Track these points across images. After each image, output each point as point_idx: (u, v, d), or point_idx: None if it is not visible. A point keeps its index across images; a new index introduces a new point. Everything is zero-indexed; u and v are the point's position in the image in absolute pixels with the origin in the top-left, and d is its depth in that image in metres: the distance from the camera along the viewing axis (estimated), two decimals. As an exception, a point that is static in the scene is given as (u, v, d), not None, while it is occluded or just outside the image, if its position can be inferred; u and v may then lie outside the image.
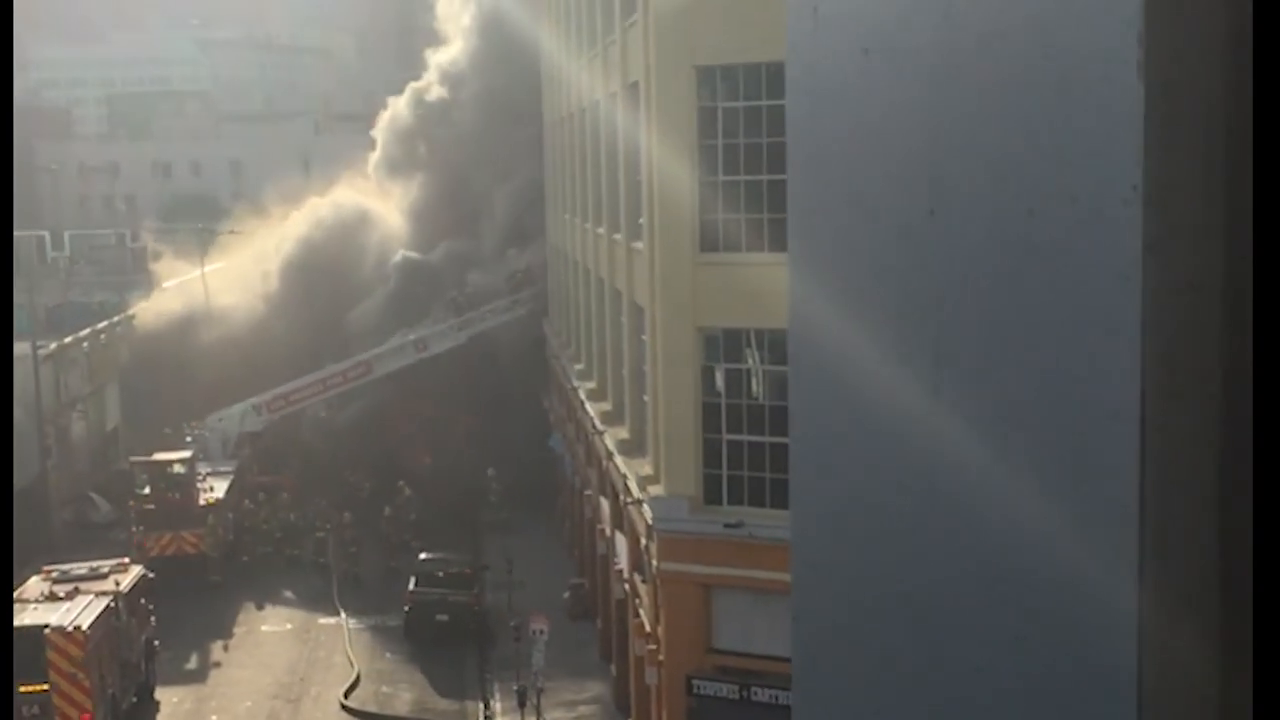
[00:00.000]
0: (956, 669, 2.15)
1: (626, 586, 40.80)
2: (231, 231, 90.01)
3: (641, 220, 37.37)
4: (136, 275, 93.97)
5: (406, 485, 63.50)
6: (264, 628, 52.82)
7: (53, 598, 41.81)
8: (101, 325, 76.08)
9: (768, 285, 29.83)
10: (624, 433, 41.50)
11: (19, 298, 68.36)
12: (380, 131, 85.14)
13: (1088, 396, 1.82)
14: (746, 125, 32.39)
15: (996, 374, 2.00)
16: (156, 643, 46.86)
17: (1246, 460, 1.76)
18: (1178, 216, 1.73)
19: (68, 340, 69.43)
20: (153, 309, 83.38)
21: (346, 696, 45.30)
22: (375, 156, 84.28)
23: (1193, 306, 1.75)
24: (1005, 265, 1.96)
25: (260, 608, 54.68)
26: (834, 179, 2.40)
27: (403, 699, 45.69)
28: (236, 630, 52.39)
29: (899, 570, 2.28)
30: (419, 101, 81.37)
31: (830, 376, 2.43)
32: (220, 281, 79.86)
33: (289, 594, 56.19)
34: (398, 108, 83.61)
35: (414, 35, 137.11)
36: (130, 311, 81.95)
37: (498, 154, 73.56)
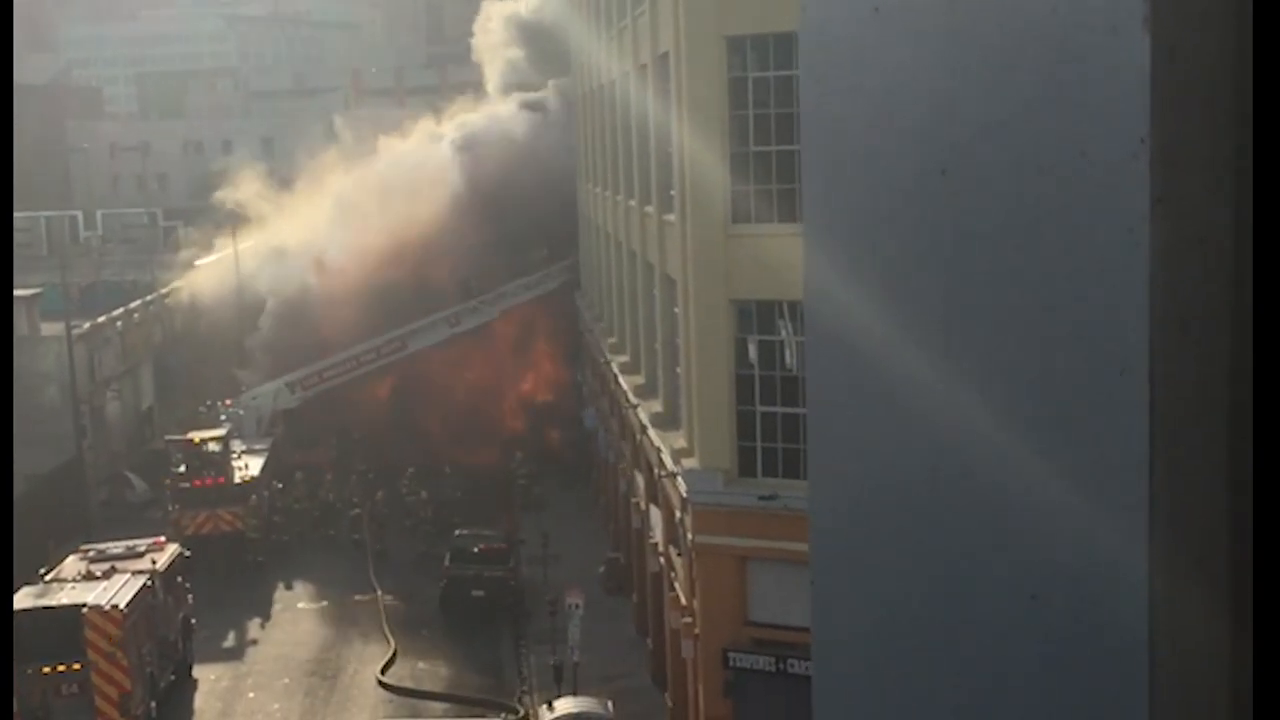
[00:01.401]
0: (972, 636, 2.15)
1: (662, 560, 40.78)
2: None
3: (673, 192, 37.25)
4: (168, 254, 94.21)
5: (447, 466, 63.55)
6: (300, 605, 52.99)
7: (90, 577, 41.99)
8: (135, 304, 76.28)
9: (800, 256, 29.68)
10: (658, 406, 41.44)
11: (52, 277, 68.75)
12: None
13: (1097, 351, 1.82)
14: (777, 95, 32.24)
15: (1007, 330, 1.99)
16: (193, 621, 47.06)
17: (1249, 414, 1.77)
18: (1185, 170, 1.73)
19: (101, 320, 69.66)
20: (186, 287, 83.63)
21: (383, 672, 45.44)
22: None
23: (1201, 259, 1.75)
24: (1016, 222, 1.96)
25: (291, 586, 54.81)
26: (847, 139, 2.40)
27: (439, 674, 45.79)
28: (273, 608, 52.58)
29: (914, 539, 2.28)
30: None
31: (844, 341, 2.42)
32: (252, 259, 79.81)
33: (325, 571, 56.33)
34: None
35: (441, 9, 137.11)
36: (163, 290, 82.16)
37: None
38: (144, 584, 41.95)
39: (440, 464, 64.22)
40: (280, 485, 61.63)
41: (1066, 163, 1.85)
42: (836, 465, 2.51)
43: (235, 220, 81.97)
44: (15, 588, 41.21)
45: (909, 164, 2.19)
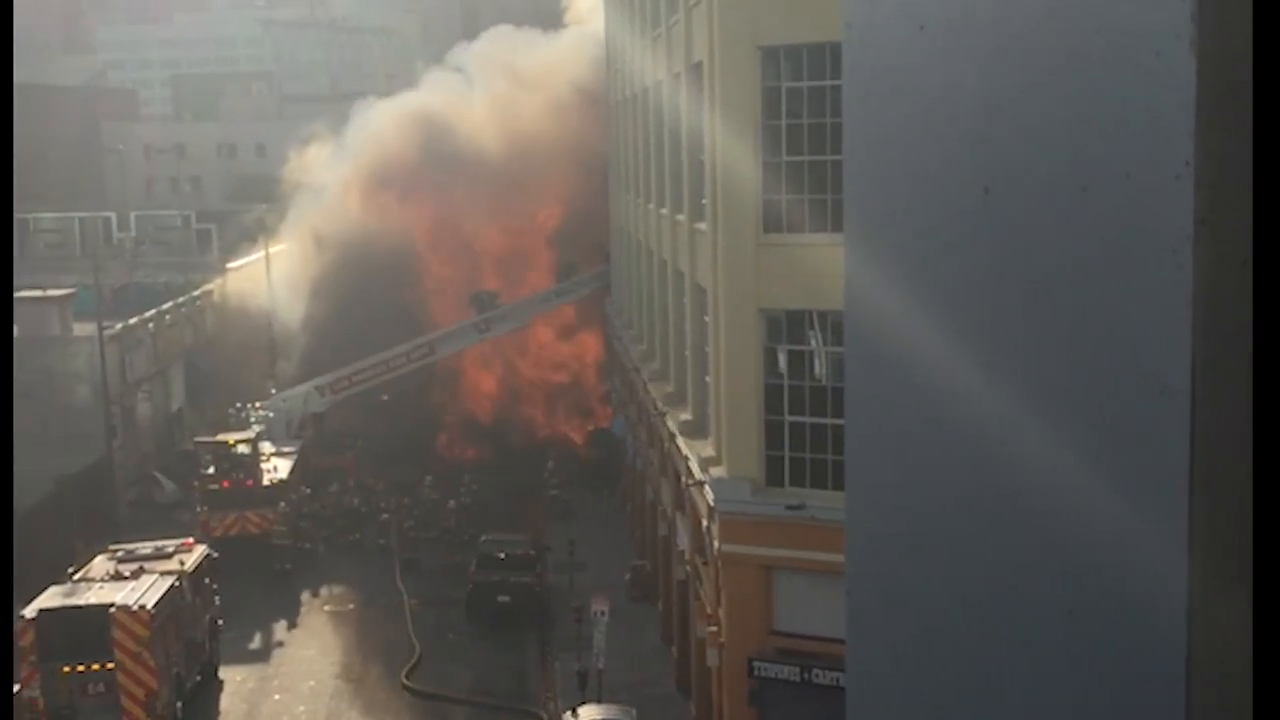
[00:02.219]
0: (1008, 644, 2.14)
1: (688, 568, 40.75)
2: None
3: (704, 201, 37.26)
4: (201, 256, 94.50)
5: (466, 474, 63.57)
6: (326, 608, 53.11)
7: (118, 577, 42.12)
8: (167, 306, 76.54)
9: (831, 266, 29.64)
10: (686, 414, 41.42)
11: (85, 278, 69.01)
12: None
13: (1139, 370, 1.80)
14: (810, 105, 32.23)
15: (1049, 348, 1.98)
16: (220, 622, 47.17)
17: None
18: (1229, 193, 1.70)
19: (133, 321, 69.90)
20: (217, 290, 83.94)
21: (408, 676, 45.48)
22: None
23: (1244, 281, 1.71)
24: (1059, 241, 1.94)
25: (318, 590, 54.91)
26: (890, 155, 2.39)
27: (464, 679, 45.79)
28: (300, 611, 52.68)
29: (952, 546, 2.28)
30: None
31: (885, 352, 2.43)
32: (285, 262, 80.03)
33: (351, 574, 56.44)
34: None
35: (477, 15, 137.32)
36: (195, 292, 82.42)
37: None
38: (172, 585, 42.08)
39: (465, 471, 64.30)
40: (308, 490, 61.69)
41: (1110, 183, 1.84)
42: (874, 478, 2.51)
43: (268, 226, 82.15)
44: (43, 587, 41.40)
45: (952, 181, 2.19)
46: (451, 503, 60.23)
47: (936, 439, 2.27)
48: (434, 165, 74.45)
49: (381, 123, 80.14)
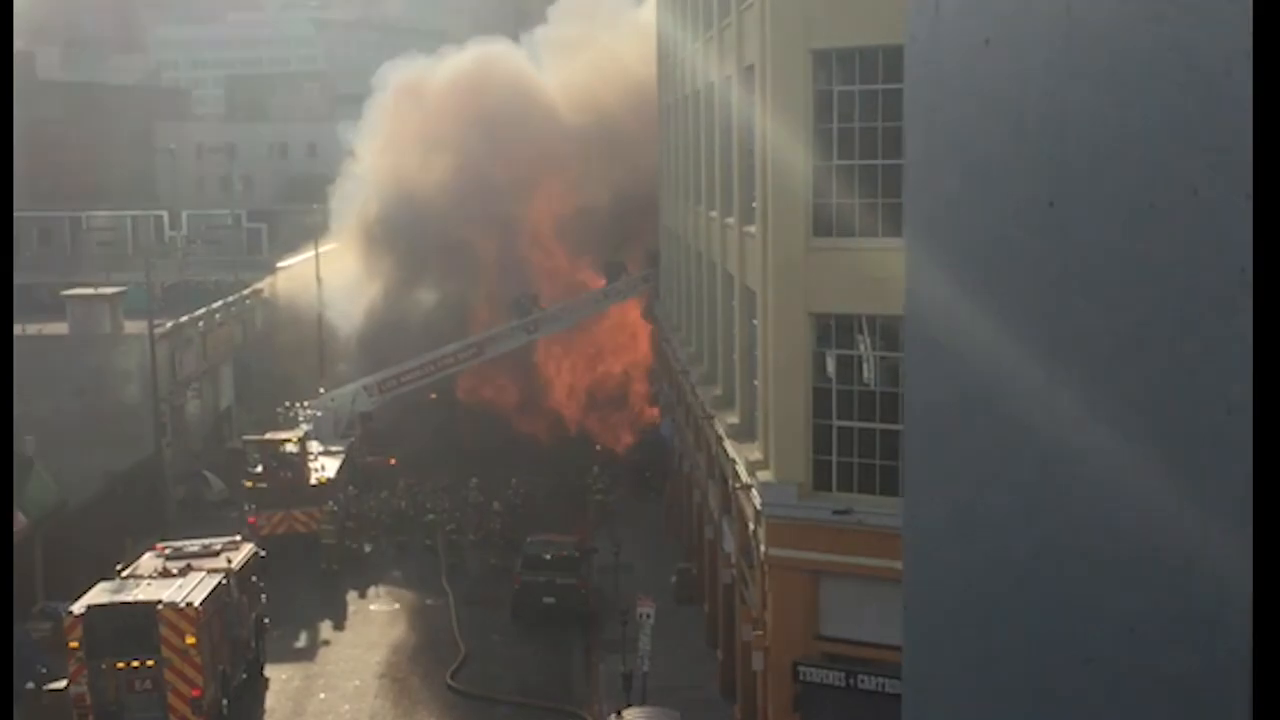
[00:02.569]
0: (1068, 658, 2.09)
1: (734, 572, 40.68)
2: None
3: (755, 204, 37.19)
4: (252, 256, 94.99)
5: (514, 478, 63.52)
6: (372, 607, 53.26)
7: (166, 574, 42.32)
8: (217, 305, 76.91)
9: (881, 270, 29.61)
10: (734, 417, 41.34)
11: (137, 276, 69.41)
12: None
13: (1203, 387, 1.77)
14: (862, 109, 32.13)
15: (1113, 364, 1.95)
16: (267, 620, 47.35)
17: None
18: None
19: (183, 320, 70.28)
20: (267, 289, 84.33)
21: (453, 676, 45.56)
22: None
23: None
24: (1125, 257, 1.91)
25: (364, 589, 55.07)
26: (953, 166, 2.36)
27: (508, 680, 45.84)
28: (346, 609, 52.84)
29: (1012, 557, 2.25)
30: None
31: (946, 363, 2.38)
32: (335, 261, 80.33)
33: (397, 574, 56.62)
34: None
35: (529, 17, 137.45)
36: (245, 291, 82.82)
37: None
38: (219, 582, 42.25)
39: (511, 473, 64.36)
40: (354, 490, 61.78)
41: (1177, 201, 1.80)
42: (934, 484, 2.48)
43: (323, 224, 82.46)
44: (92, 583, 41.64)
45: (1017, 194, 2.17)
46: (496, 504, 60.27)
47: (998, 450, 2.24)
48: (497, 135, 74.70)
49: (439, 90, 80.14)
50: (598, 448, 67.26)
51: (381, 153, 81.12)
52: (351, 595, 54.30)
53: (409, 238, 75.40)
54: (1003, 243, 2.20)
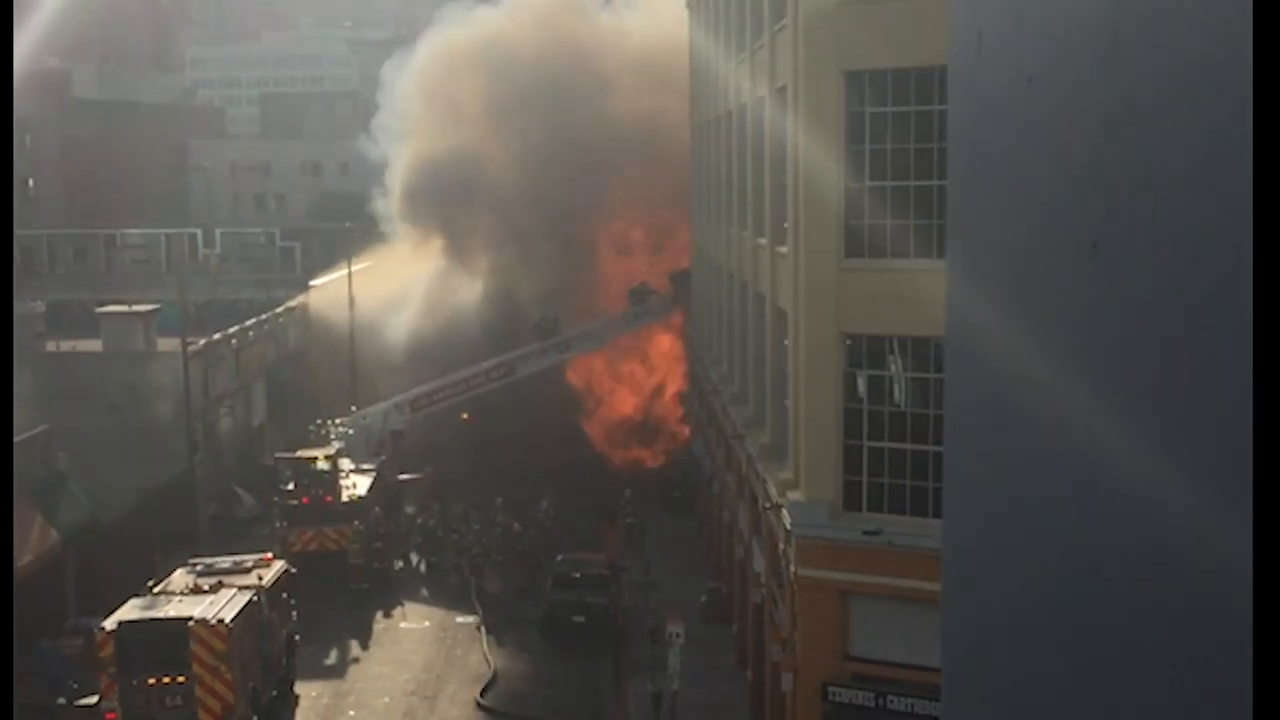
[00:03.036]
0: (1109, 681, 2.09)
1: (764, 591, 40.65)
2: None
3: (787, 225, 37.22)
4: (285, 274, 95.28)
5: (545, 500, 63.37)
6: (402, 625, 53.31)
7: (197, 590, 42.42)
8: (250, 322, 77.20)
9: (913, 291, 29.60)
10: (764, 437, 41.35)
11: (170, 294, 69.70)
12: None
13: (1248, 433, 1.73)
14: (894, 130, 32.15)
15: (1157, 393, 1.93)
16: (297, 637, 47.43)
17: None
18: None
19: (216, 337, 70.54)
20: (300, 306, 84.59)
21: (483, 695, 45.58)
22: None
23: None
24: (1169, 301, 1.90)
25: (394, 607, 55.12)
26: (994, 206, 2.36)
27: (538, 698, 45.84)
28: (375, 627, 52.93)
29: (1052, 581, 2.24)
30: None
31: (986, 394, 2.39)
32: (368, 280, 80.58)
33: (427, 592, 56.68)
34: None
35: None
36: (278, 309, 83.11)
37: None
38: (250, 599, 42.33)
39: (542, 492, 64.35)
40: (382, 511, 61.61)
41: (1224, 248, 1.79)
42: (973, 506, 2.48)
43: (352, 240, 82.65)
44: (124, 599, 41.78)
45: (1058, 234, 2.17)
46: (516, 525, 59.89)
47: (1039, 473, 2.25)
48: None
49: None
50: (627, 484, 67.04)
51: (431, 126, 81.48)
52: (381, 612, 54.36)
53: (455, 212, 75.88)
54: (1044, 281, 2.19)
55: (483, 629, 51.41)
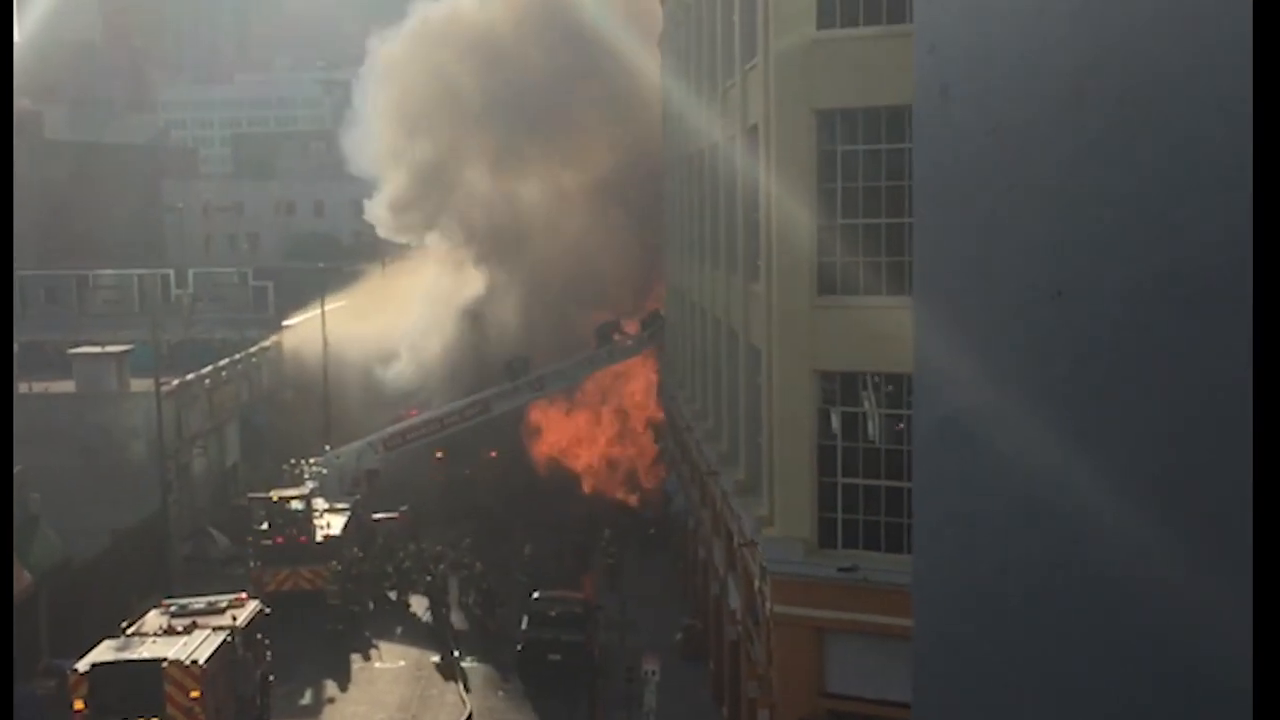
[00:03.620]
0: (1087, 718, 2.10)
1: (739, 629, 40.64)
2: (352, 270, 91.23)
3: (759, 262, 37.34)
4: (258, 314, 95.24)
5: (527, 546, 62.95)
6: (378, 664, 53.12)
7: (170, 632, 42.26)
8: (223, 363, 77.08)
9: (885, 328, 29.71)
10: (739, 474, 41.40)
11: (143, 334, 69.56)
12: None
13: (1211, 479, 1.77)
14: (866, 169, 32.30)
15: (1123, 454, 1.95)
16: (272, 678, 47.23)
17: None
18: None
19: (189, 377, 70.39)
20: (273, 346, 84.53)
21: (459, 734, 45.42)
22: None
23: None
24: (1135, 350, 1.93)
25: (369, 646, 54.90)
26: (960, 255, 2.39)
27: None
28: (351, 667, 52.71)
29: (1023, 619, 2.25)
30: None
31: (955, 435, 2.41)
32: (341, 319, 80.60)
33: (403, 632, 56.48)
34: None
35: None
36: (251, 349, 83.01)
37: None
38: (224, 640, 42.18)
39: (518, 529, 64.27)
40: (360, 552, 61.33)
41: (1188, 298, 1.82)
42: (944, 548, 2.48)
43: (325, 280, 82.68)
44: (97, 641, 41.60)
45: (1024, 284, 2.19)
46: (478, 565, 59.14)
47: (1011, 520, 2.27)
48: None
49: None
50: (606, 524, 66.94)
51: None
52: (356, 652, 54.16)
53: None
54: (1009, 328, 2.22)
55: (458, 668, 51.24)
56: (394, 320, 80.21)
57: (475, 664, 51.90)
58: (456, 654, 52.53)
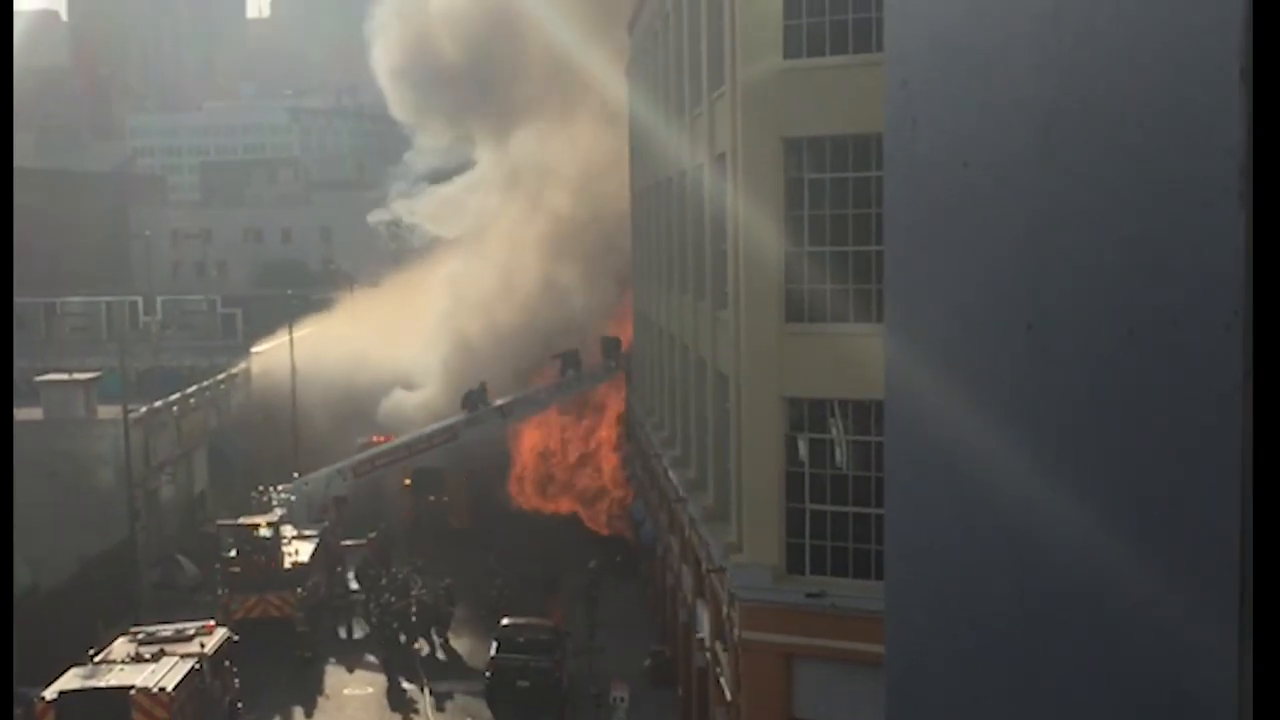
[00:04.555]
0: None
1: (708, 655, 40.69)
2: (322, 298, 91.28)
3: (728, 289, 37.46)
4: (226, 341, 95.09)
5: (498, 567, 62.71)
6: (346, 691, 52.97)
7: (139, 659, 42.16)
8: (191, 390, 76.91)
9: (853, 355, 29.86)
10: (707, 500, 41.47)
11: (111, 361, 69.39)
12: None
13: (1185, 518, 1.81)
14: (833, 196, 32.45)
15: (1093, 484, 1.98)
16: (240, 705, 47.10)
17: None
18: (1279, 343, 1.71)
19: (158, 404, 70.22)
20: (242, 373, 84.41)
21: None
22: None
23: None
24: (1103, 382, 1.96)
25: (341, 672, 54.75)
26: (932, 289, 2.41)
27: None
28: (319, 693, 52.57)
29: (992, 643, 2.29)
30: None
31: (926, 463, 2.46)
32: (309, 346, 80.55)
33: (372, 658, 56.36)
34: None
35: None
36: (220, 376, 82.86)
37: None
38: (192, 667, 42.09)
39: (491, 559, 64.22)
40: (325, 577, 61.05)
41: (1157, 329, 1.85)
42: (913, 569, 2.55)
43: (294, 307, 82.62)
44: (64, 668, 41.46)
45: (995, 317, 2.22)
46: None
47: (979, 538, 2.30)
48: None
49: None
50: (574, 534, 67.03)
51: None
52: (325, 678, 54.00)
53: None
54: (980, 360, 2.25)
55: (426, 695, 51.16)
56: (370, 346, 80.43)
57: (444, 691, 51.76)
58: (424, 680, 52.42)
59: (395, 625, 57.27)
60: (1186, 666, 1.81)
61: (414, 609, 57.10)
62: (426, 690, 51.54)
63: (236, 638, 47.77)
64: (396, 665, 54.84)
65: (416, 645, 56.31)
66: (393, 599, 58.09)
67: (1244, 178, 1.69)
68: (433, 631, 56.80)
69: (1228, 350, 1.70)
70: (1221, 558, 1.74)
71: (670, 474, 48.22)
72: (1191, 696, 1.80)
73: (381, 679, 53.81)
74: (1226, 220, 1.71)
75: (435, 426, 70.69)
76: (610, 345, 71.88)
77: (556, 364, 72.62)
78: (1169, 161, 1.82)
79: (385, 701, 51.57)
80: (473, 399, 70.49)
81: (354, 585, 62.66)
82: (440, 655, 55.36)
